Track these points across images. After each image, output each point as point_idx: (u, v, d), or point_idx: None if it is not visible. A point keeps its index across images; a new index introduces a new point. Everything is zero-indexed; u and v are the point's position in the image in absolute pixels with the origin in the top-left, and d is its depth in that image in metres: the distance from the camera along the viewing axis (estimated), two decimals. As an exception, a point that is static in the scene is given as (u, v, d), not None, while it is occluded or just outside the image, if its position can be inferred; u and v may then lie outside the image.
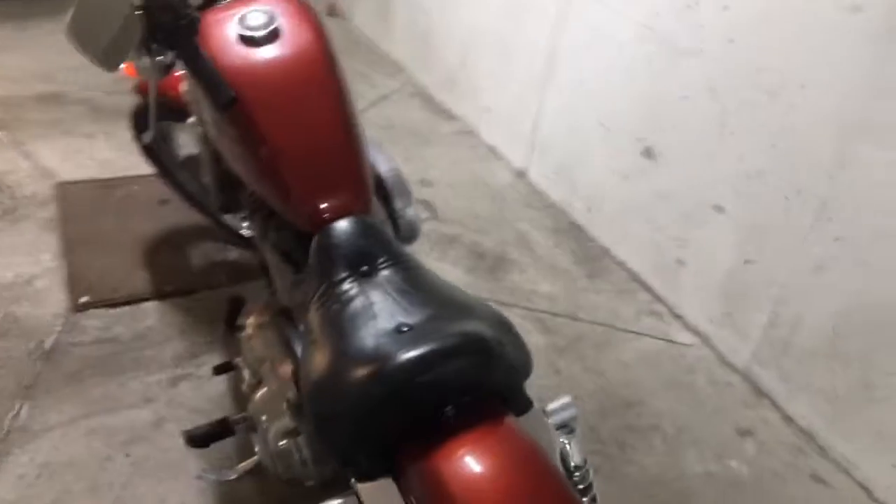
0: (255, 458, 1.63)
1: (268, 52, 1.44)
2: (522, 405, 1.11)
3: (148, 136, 1.58)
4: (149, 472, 1.78)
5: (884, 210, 1.90)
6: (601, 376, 2.25)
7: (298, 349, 1.34)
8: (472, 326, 1.08)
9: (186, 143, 2.44)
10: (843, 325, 2.05)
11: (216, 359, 2.12)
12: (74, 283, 2.32)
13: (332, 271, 1.25)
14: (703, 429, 2.13)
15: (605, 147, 2.86)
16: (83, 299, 2.27)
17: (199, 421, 1.84)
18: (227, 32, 1.46)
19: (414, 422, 1.03)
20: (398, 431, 1.04)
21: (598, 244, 2.92)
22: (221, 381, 2.05)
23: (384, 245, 1.29)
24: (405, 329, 1.10)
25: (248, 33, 1.45)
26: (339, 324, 1.15)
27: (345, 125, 1.42)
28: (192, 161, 2.35)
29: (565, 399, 1.16)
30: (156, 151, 2.41)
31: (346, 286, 1.22)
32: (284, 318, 1.41)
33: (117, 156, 3.04)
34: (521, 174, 3.38)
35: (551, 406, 1.15)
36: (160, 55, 1.35)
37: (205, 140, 1.94)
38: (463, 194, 3.14)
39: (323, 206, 1.32)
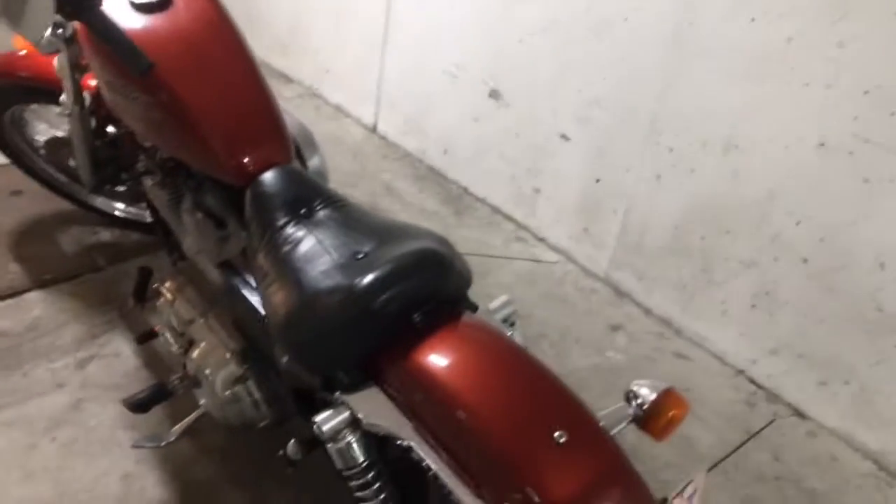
0: (192, 417, 1.70)
1: (166, 18, 1.48)
2: (472, 307, 1.28)
3: (67, 109, 1.58)
4: (81, 452, 1.79)
5: (704, 120, 2.24)
6: (489, 298, 2.46)
7: (245, 297, 1.42)
8: (422, 244, 1.23)
9: (41, 128, 2.37)
10: (683, 224, 2.39)
11: (119, 337, 2.12)
12: (-58, 286, 2.21)
13: (272, 218, 1.34)
14: (580, 330, 2.42)
15: (452, 94, 3.05)
16: (-44, 300, 2.17)
17: (119, 396, 1.88)
18: (116, 1, 1.48)
19: (385, 333, 1.17)
20: (373, 344, 1.17)
21: (458, 185, 3.13)
22: (131, 357, 2.06)
23: (315, 188, 1.40)
24: (360, 256, 1.23)
25: (141, 1, 1.48)
26: (295, 263, 1.25)
27: (256, 81, 1.50)
28: (53, 145, 2.29)
29: (504, 298, 1.34)
30: (9, 138, 2.32)
31: (290, 230, 1.32)
32: (224, 270, 1.47)
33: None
34: (372, 129, 3.51)
35: (493, 305, 1.33)
36: (63, 28, 1.36)
37: (80, 118, 1.92)
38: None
39: (250, 159, 1.41)
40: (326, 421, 1.16)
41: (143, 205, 2.46)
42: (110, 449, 1.80)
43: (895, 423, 2.07)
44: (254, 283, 1.42)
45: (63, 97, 1.88)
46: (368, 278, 1.15)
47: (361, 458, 1.18)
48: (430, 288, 1.19)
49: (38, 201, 2.60)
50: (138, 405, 1.66)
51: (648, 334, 2.46)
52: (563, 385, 1.09)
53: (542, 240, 2.85)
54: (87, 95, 1.89)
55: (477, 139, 3.01)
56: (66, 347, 2.06)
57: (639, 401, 1.17)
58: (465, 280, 1.26)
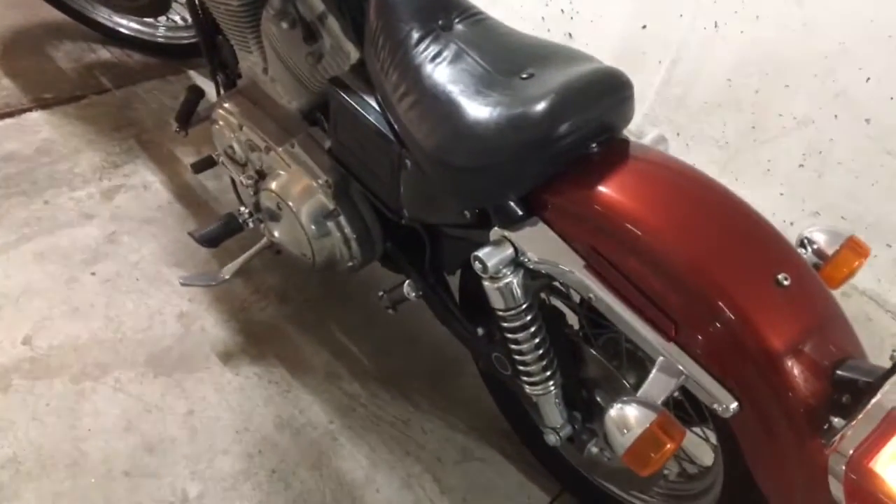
0: (247, 255, 1.57)
1: None
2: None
3: None
4: (127, 288, 1.63)
5: (780, -36, 2.10)
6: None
7: (367, 120, 1.23)
8: (598, 66, 1.09)
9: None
10: (737, 76, 2.29)
11: (143, 167, 1.92)
12: (-73, 99, 1.92)
13: (407, 29, 1.16)
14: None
15: (479, -80, 2.78)
16: (-52, 116, 1.90)
17: (156, 231, 1.74)
18: None
19: (560, 163, 1.04)
20: (545, 175, 1.04)
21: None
22: (161, 189, 1.87)
23: (450, -4, 1.22)
24: (525, 76, 1.08)
25: None
26: (448, 81, 1.09)
27: None
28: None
29: (657, 131, 1.23)
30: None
31: (430, 43, 1.14)
32: (333, 88, 1.28)
33: None
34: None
35: (646, 140, 1.21)
36: None
37: None
38: None
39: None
40: (490, 256, 1.05)
41: (153, 21, 2.18)
42: (158, 286, 1.65)
43: (932, 285, 2.12)
44: (372, 103, 1.24)
45: None
46: (549, 100, 1.00)
47: (522, 299, 1.08)
48: (614, 114, 1.06)
49: (16, 8, 2.27)
50: (209, 239, 1.51)
51: (687, 191, 2.40)
52: (773, 226, 1.01)
53: (571, 88, 2.70)
54: None
55: (504, -25, 2.78)
56: (86, 176, 1.85)
57: (815, 247, 1.10)
58: (633, 112, 1.13)
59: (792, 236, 2.33)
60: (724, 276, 0.93)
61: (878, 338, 2.10)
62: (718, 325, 0.91)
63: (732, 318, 0.90)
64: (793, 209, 2.29)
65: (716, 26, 2.27)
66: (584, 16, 2.59)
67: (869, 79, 2.03)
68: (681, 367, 0.95)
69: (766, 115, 2.26)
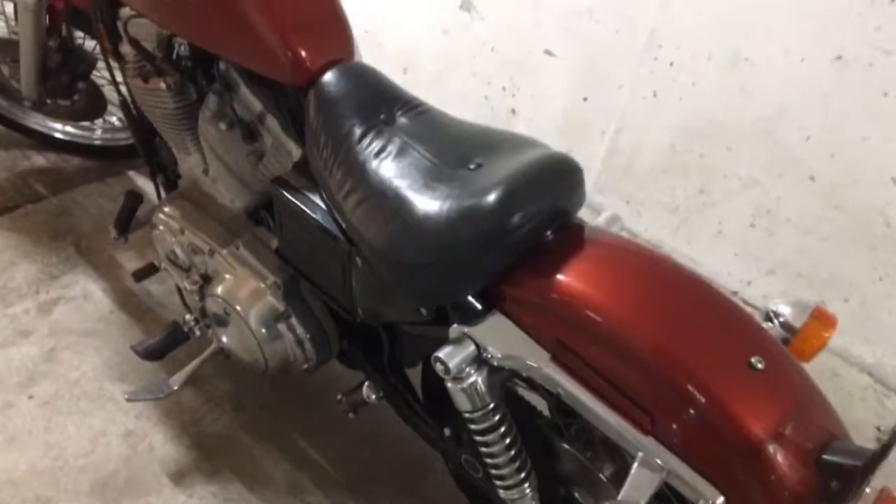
0: (195, 363, 1.49)
1: None
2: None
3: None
4: (67, 409, 1.53)
5: (711, 31, 2.14)
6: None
7: (311, 219, 1.18)
8: (546, 152, 1.06)
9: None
10: (680, 142, 2.31)
11: (83, 276, 1.83)
12: None
13: (347, 125, 1.13)
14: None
15: (417, 4, 2.81)
16: None
17: (98, 344, 1.66)
18: None
19: (517, 254, 1.00)
20: (502, 267, 1.00)
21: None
22: (102, 298, 1.78)
23: (390, 89, 1.19)
24: (473, 167, 1.06)
25: None
26: (393, 174, 1.05)
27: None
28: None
29: (610, 212, 1.21)
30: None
31: (372, 137, 1.11)
32: (276, 188, 1.23)
33: None
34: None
35: (599, 220, 1.19)
36: None
37: (35, 11, 1.60)
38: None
39: (312, 53, 1.16)
40: (451, 356, 0.99)
41: (89, 124, 2.13)
42: (102, 404, 1.55)
43: (893, 336, 2.11)
44: (318, 201, 1.20)
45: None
46: (500, 191, 0.97)
47: (489, 399, 1.03)
48: (566, 200, 1.04)
49: (-55, 121, 2.20)
50: (153, 351, 1.42)
51: (643, 257, 2.39)
52: (740, 306, 0.98)
53: (519, 163, 2.71)
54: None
55: (445, 55, 2.80)
56: (21, 290, 1.75)
57: (781, 319, 1.07)
58: (584, 195, 1.11)
59: (750, 296, 2.32)
60: (695, 362, 0.89)
61: (846, 392, 2.08)
62: (695, 414, 0.87)
63: (709, 408, 0.86)
64: (748, 269, 2.29)
65: (655, 95, 2.31)
66: (526, 92, 2.62)
67: (809, 137, 2.06)
68: (661, 463, 0.90)
69: (713, 178, 2.28)
